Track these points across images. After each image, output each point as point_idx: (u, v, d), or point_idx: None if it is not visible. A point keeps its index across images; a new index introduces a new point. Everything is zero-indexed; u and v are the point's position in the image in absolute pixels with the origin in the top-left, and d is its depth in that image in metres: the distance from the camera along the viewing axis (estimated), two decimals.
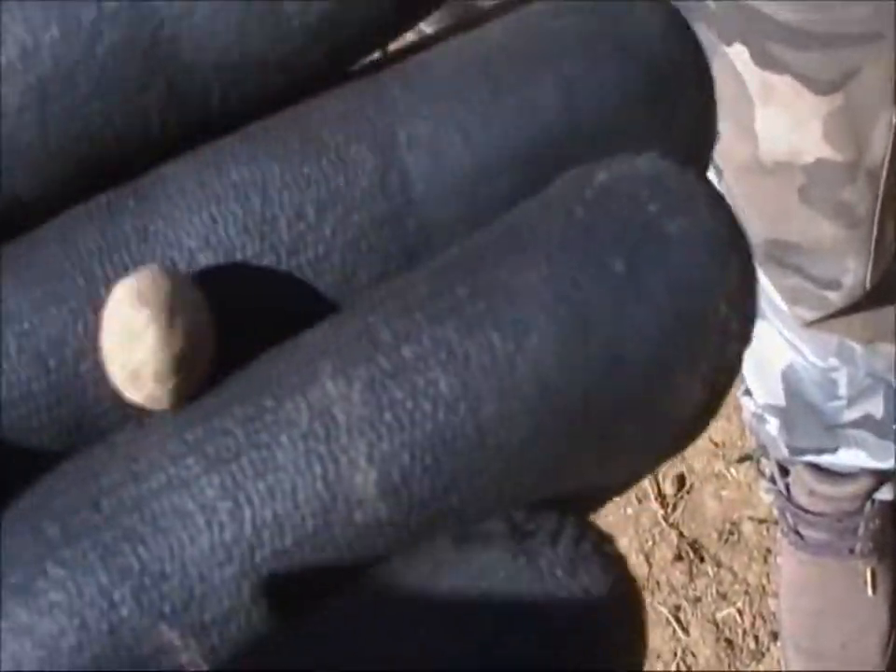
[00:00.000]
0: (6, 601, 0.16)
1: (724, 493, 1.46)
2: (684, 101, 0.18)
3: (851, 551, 1.26)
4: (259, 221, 0.18)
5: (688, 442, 0.17)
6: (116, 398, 0.18)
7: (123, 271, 0.18)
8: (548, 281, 0.16)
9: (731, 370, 0.17)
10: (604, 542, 0.16)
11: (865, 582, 1.27)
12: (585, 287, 0.16)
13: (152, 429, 0.17)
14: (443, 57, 0.18)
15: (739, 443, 1.46)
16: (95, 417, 0.18)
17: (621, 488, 0.18)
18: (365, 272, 0.18)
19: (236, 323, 0.18)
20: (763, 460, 1.30)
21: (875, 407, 1.13)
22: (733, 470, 1.46)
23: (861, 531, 1.26)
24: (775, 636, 1.38)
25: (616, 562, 0.16)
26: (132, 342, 0.17)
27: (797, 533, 1.28)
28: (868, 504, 1.24)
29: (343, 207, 0.18)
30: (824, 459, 1.21)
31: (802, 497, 1.26)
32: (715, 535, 1.44)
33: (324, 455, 0.16)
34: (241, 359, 0.18)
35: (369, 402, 0.16)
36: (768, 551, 1.42)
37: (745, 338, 0.17)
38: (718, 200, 0.17)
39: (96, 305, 0.18)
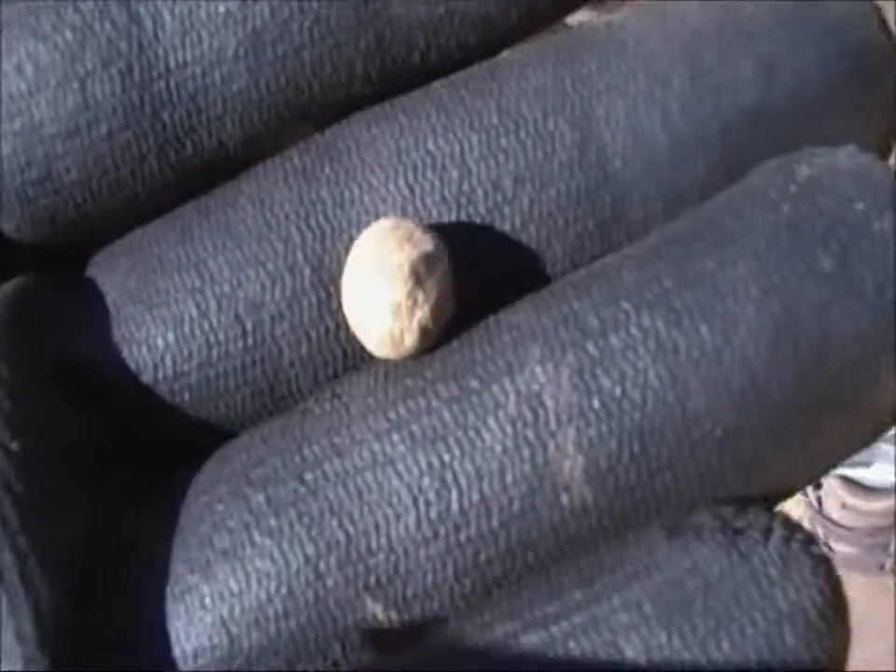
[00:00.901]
0: (213, 565, 0.16)
1: None
2: (879, 86, 0.18)
3: (881, 567, 1.26)
4: (457, 192, 0.18)
5: (882, 434, 0.18)
6: (309, 363, 0.18)
7: (320, 236, 0.18)
8: (756, 276, 0.16)
9: None
10: (811, 542, 0.16)
11: (894, 600, 1.26)
12: (794, 284, 0.16)
13: (351, 401, 0.17)
14: (640, 35, 0.18)
15: None
16: (288, 381, 0.18)
17: (811, 481, 0.18)
18: (560, 245, 0.18)
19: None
20: None
21: None
22: None
23: (891, 548, 1.25)
24: None
25: (824, 563, 0.16)
26: (371, 298, 0.17)
27: (827, 546, 1.27)
28: None
29: (540, 180, 0.18)
30: (858, 473, 1.20)
31: (833, 511, 1.26)
32: None
33: (532, 439, 0.16)
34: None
35: (577, 389, 0.16)
36: None
37: None
38: None
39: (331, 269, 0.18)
